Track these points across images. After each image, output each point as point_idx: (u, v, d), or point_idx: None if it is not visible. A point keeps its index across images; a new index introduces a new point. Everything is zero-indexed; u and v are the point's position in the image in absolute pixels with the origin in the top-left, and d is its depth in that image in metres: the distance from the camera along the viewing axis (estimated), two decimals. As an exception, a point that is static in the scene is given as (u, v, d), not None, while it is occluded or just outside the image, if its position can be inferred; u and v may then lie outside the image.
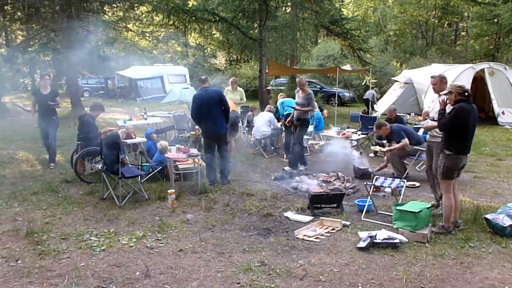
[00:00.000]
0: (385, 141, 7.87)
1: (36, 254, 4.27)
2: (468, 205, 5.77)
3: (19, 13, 17.47)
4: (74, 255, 4.24)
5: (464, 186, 6.92)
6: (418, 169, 8.01)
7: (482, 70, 14.57)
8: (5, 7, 16.29)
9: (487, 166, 8.47)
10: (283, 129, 9.25)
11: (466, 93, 4.68)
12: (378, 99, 17.22)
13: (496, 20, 23.04)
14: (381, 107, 16.10)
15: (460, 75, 14.50)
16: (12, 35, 29.09)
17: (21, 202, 6.01)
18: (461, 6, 29.12)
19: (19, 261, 4.11)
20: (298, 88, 8.26)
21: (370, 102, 15.75)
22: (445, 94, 4.82)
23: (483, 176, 7.63)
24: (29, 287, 3.63)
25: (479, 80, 14.94)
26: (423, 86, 15.63)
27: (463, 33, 32.44)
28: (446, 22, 31.77)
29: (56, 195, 6.35)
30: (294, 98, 8.46)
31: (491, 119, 14.58)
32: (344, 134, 9.63)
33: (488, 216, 4.86)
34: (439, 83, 5.41)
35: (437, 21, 31.12)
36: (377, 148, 8.11)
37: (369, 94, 16.22)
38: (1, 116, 15.81)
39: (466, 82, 14.28)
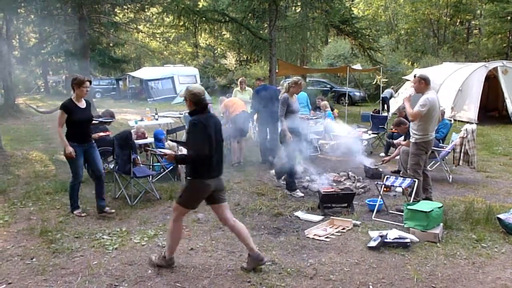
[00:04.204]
0: (401, 139, 7.86)
1: (50, 252, 4.35)
2: (481, 204, 5.72)
3: (32, 16, 17.75)
4: (87, 254, 4.30)
5: (477, 186, 6.87)
6: (430, 169, 7.94)
7: (495, 69, 14.40)
8: (19, 10, 16.56)
9: (500, 166, 8.38)
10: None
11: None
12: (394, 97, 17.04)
13: (509, 17, 22.74)
14: (393, 106, 16.00)
15: (472, 73, 14.35)
16: (25, 38, 29.57)
17: (35, 201, 6.11)
18: (473, 4, 28.77)
19: (34, 259, 4.18)
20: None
21: (388, 101, 15.56)
22: None
23: (496, 176, 7.55)
24: (44, 284, 3.70)
25: (492, 78, 14.76)
26: (435, 85, 15.39)
27: (475, 31, 31.98)
28: (458, 20, 31.37)
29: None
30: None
31: (504, 118, 14.41)
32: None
33: (501, 216, 4.81)
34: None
35: (449, 19, 30.77)
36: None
37: (387, 92, 15.98)
38: (15, 117, 16.07)
39: (479, 81, 14.16)
